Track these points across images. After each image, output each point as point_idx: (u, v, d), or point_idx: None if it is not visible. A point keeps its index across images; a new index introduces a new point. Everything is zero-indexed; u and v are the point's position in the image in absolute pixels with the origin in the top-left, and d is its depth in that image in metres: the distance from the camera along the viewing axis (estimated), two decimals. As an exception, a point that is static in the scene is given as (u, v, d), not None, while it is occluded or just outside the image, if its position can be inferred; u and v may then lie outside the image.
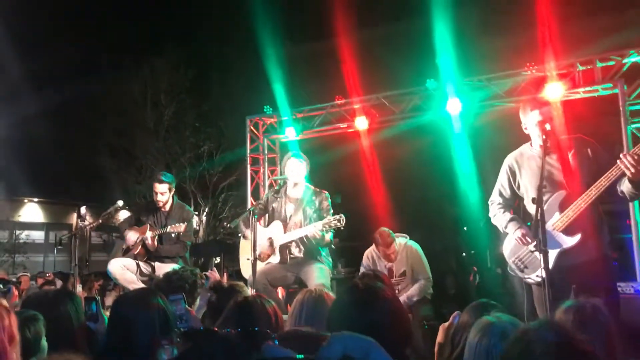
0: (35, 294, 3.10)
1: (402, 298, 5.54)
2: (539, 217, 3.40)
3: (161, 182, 5.90)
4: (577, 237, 3.60)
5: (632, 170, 3.34)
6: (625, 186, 3.52)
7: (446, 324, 2.78)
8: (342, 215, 4.86)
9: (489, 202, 4.16)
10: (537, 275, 3.70)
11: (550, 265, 3.56)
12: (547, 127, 3.66)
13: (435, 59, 8.66)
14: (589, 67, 6.87)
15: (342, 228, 4.92)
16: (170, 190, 5.97)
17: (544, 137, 3.61)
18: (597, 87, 6.81)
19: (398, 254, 5.80)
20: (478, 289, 10.79)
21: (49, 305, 2.71)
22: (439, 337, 2.79)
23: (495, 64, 8.49)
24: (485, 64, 9.82)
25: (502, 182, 4.06)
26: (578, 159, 3.69)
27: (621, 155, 3.40)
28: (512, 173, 3.99)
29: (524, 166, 3.90)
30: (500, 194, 4.07)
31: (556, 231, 3.64)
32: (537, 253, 3.60)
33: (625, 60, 6.67)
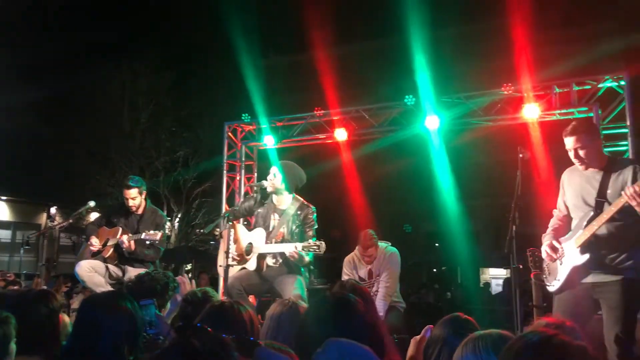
0: (11, 293, 3.02)
1: (380, 307, 5.59)
2: (511, 235, 3.55)
3: (129, 187, 5.82)
4: (586, 256, 3.75)
5: (634, 202, 3.47)
6: None
7: (418, 337, 2.76)
8: (322, 242, 4.83)
9: (553, 212, 4.29)
10: (551, 284, 3.98)
11: (563, 277, 3.87)
12: (581, 153, 3.83)
13: (414, 75, 8.76)
14: (565, 89, 7.00)
15: (321, 253, 4.89)
16: (140, 194, 5.87)
17: (578, 162, 3.88)
18: (573, 110, 6.94)
19: (377, 257, 5.91)
20: (449, 303, 10.86)
21: (24, 306, 2.64)
22: (410, 351, 2.77)
23: (473, 83, 8.60)
24: (463, 82, 9.96)
25: (560, 194, 4.23)
26: (618, 183, 3.77)
27: (625, 188, 3.53)
28: (563, 187, 4.15)
29: (570, 180, 4.06)
30: (558, 206, 4.24)
31: (576, 247, 3.82)
32: (557, 262, 3.93)
33: (600, 85, 6.81)
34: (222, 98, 16.90)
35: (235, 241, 5.33)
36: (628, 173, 3.76)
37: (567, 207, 4.12)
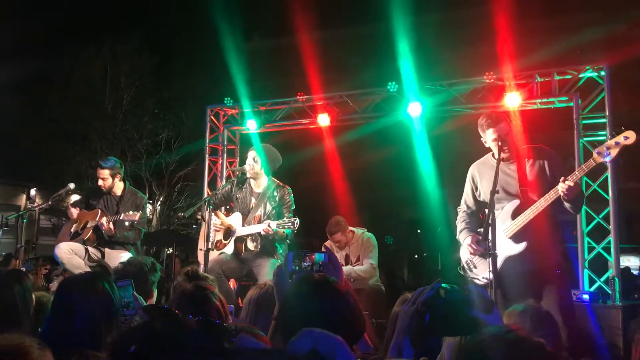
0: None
1: (347, 269, 5.66)
2: (489, 222, 3.59)
3: (101, 167, 5.83)
4: (522, 245, 3.78)
5: (566, 197, 3.60)
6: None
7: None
8: (297, 218, 4.88)
9: (457, 209, 4.32)
10: (483, 277, 3.88)
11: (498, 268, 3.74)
12: (505, 142, 3.90)
13: (397, 62, 8.75)
14: (547, 79, 7.04)
15: (295, 231, 4.96)
16: (113, 176, 5.84)
17: (500, 153, 3.88)
18: (554, 99, 7.00)
19: (354, 243, 6.00)
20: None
21: None
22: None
23: (456, 71, 8.62)
24: (446, 69, 9.99)
25: (466, 190, 4.24)
26: (535, 170, 3.86)
27: (560, 183, 3.61)
28: (474, 181, 4.16)
29: (485, 175, 4.07)
30: (465, 202, 4.26)
31: (506, 237, 3.80)
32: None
33: (581, 75, 6.87)
34: (204, 81, 16.77)
35: (219, 230, 5.38)
36: (544, 162, 3.85)
37: (476, 202, 4.15)
